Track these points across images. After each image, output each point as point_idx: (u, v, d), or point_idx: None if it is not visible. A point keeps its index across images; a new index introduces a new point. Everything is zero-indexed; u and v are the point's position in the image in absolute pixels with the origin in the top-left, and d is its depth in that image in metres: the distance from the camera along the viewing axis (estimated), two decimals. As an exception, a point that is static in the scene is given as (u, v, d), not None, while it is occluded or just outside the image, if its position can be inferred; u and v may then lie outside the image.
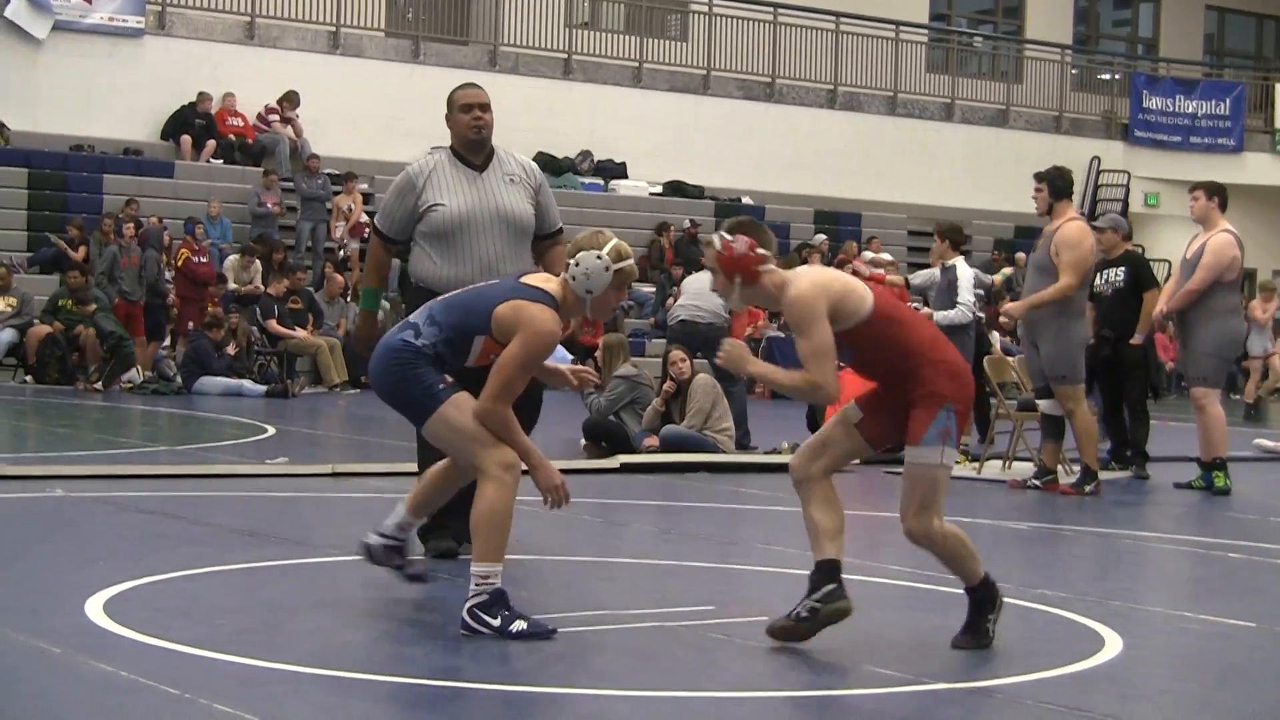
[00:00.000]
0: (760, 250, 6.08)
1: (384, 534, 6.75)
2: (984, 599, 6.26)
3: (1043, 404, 12.02)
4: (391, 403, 6.41)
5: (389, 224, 8.05)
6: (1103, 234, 13.13)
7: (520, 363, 6.16)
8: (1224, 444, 12.28)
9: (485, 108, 7.98)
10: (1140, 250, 18.79)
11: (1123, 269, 13.30)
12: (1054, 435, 12.00)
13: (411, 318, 6.44)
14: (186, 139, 24.89)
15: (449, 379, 6.28)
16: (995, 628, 6.23)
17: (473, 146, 7.98)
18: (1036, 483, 11.97)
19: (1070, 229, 11.75)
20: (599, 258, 6.28)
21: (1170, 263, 30.18)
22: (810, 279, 6.03)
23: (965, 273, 13.79)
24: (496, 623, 6.07)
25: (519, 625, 6.07)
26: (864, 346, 6.07)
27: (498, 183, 7.97)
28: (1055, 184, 11.92)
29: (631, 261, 6.43)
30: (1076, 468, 12.29)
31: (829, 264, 25.76)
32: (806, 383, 5.98)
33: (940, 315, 13.62)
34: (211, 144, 25.10)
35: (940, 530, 6.28)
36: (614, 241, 6.38)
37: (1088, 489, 11.79)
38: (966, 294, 13.66)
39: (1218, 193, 12.40)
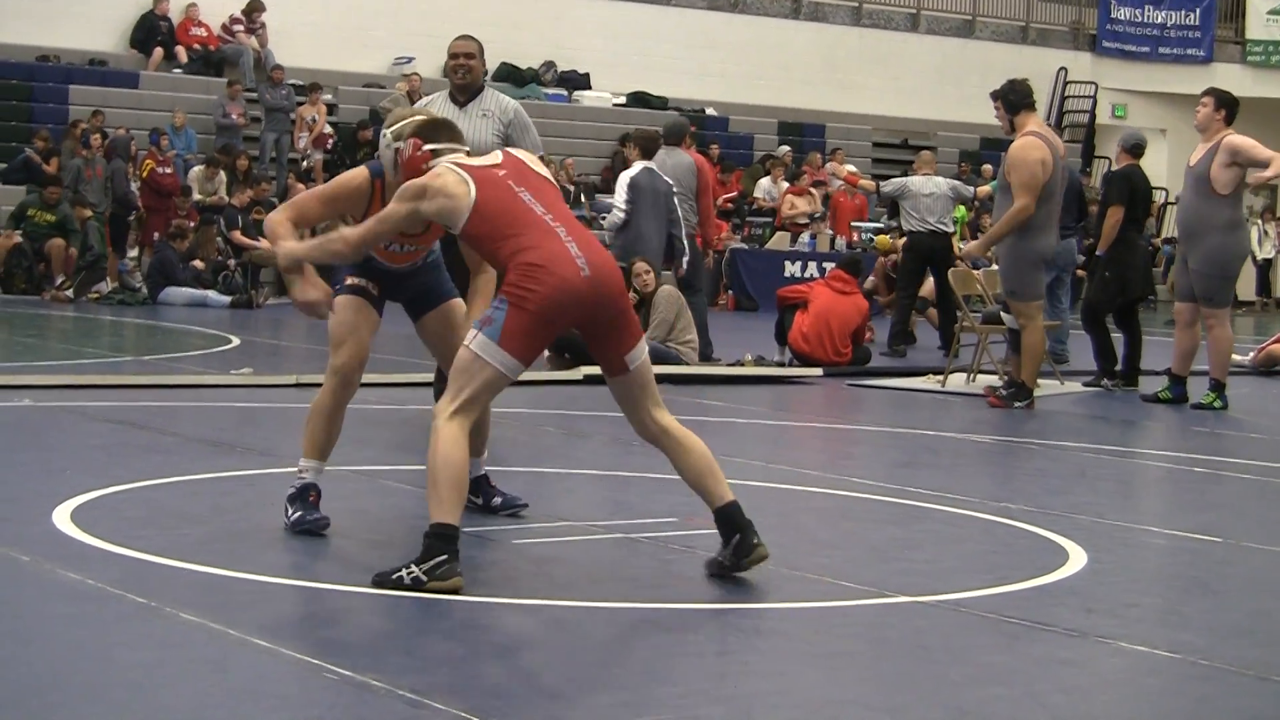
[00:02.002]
0: (428, 146, 6.09)
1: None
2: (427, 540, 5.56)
3: (1006, 318, 12.03)
4: None
5: None
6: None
7: (317, 190, 6.51)
8: (1226, 367, 12.27)
9: (470, 56, 9.45)
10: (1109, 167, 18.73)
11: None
12: (1018, 348, 11.99)
13: None
14: (159, 51, 24.74)
15: (352, 279, 6.56)
16: (411, 579, 5.48)
17: (458, 89, 9.46)
18: (1003, 392, 11.91)
19: (1015, 146, 11.68)
20: (383, 135, 6.36)
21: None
22: (422, 181, 5.92)
23: (623, 178, 14.01)
24: (290, 514, 6.46)
25: (295, 515, 6.43)
26: (476, 251, 6.14)
27: (474, 117, 9.28)
28: (1008, 99, 11.82)
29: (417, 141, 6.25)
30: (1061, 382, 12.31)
31: (793, 176, 25.75)
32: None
33: (607, 222, 14.13)
34: (159, 52, 24.90)
35: (446, 431, 5.62)
36: (409, 119, 6.33)
37: (1017, 404, 11.76)
38: (619, 197, 13.89)
39: (1227, 105, 12.01)
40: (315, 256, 6.21)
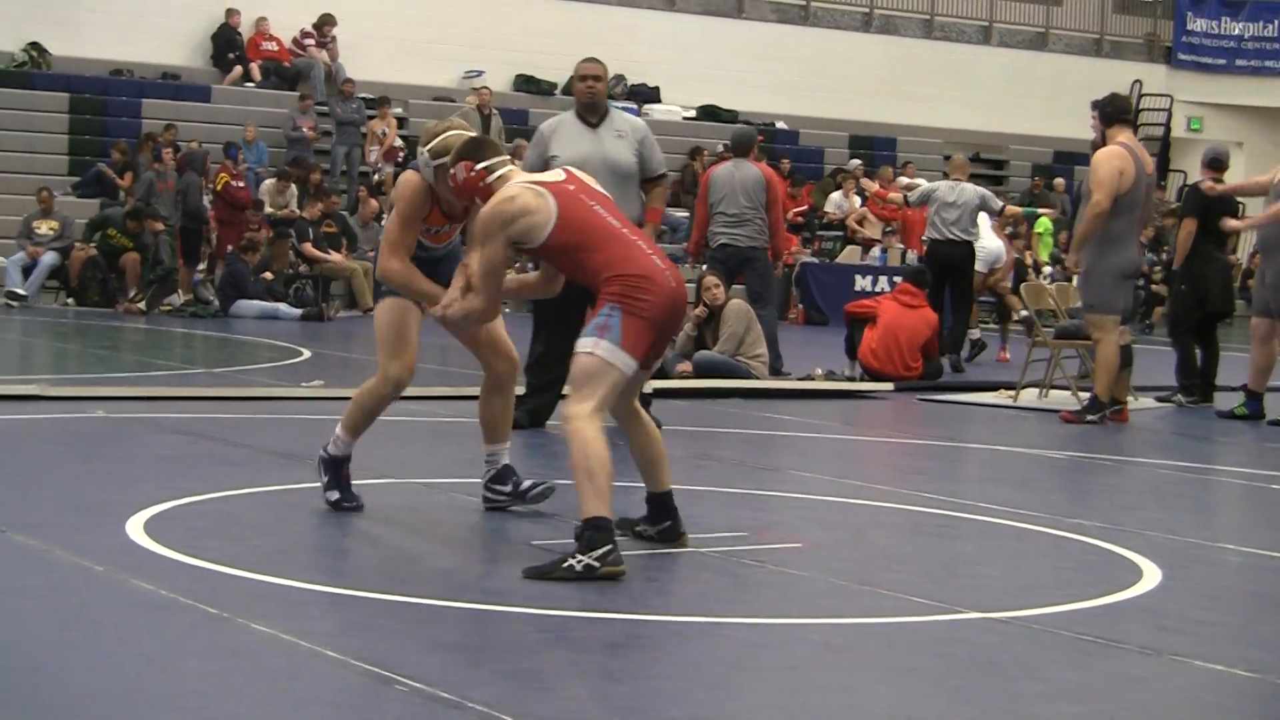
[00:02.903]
0: (480, 165, 6.33)
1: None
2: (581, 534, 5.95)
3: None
4: None
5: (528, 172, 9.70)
6: None
7: (396, 219, 6.83)
8: None
9: (598, 79, 10.00)
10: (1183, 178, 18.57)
11: None
12: (1122, 364, 11.90)
13: None
14: (238, 69, 24.99)
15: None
16: (583, 567, 5.84)
17: (586, 108, 9.99)
18: (1104, 412, 11.83)
19: (1098, 154, 11.69)
20: (423, 152, 6.74)
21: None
22: (492, 203, 6.19)
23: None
24: (323, 480, 7.02)
25: (332, 494, 6.97)
26: (553, 262, 6.36)
27: (608, 137, 9.89)
28: (1104, 110, 11.88)
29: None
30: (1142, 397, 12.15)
31: (860, 190, 25.66)
32: (468, 306, 6.45)
33: None
34: (239, 68, 25.16)
35: (591, 431, 5.99)
36: (443, 136, 6.68)
37: (1089, 418, 11.66)
38: None
39: None
40: (459, 319, 6.59)
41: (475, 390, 11.23)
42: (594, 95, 10.00)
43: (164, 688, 4.49)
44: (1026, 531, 7.35)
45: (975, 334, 16.95)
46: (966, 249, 15.73)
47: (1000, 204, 16.34)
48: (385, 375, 6.93)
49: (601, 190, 6.40)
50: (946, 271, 15.76)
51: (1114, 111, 11.86)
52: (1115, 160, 11.50)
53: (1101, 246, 11.54)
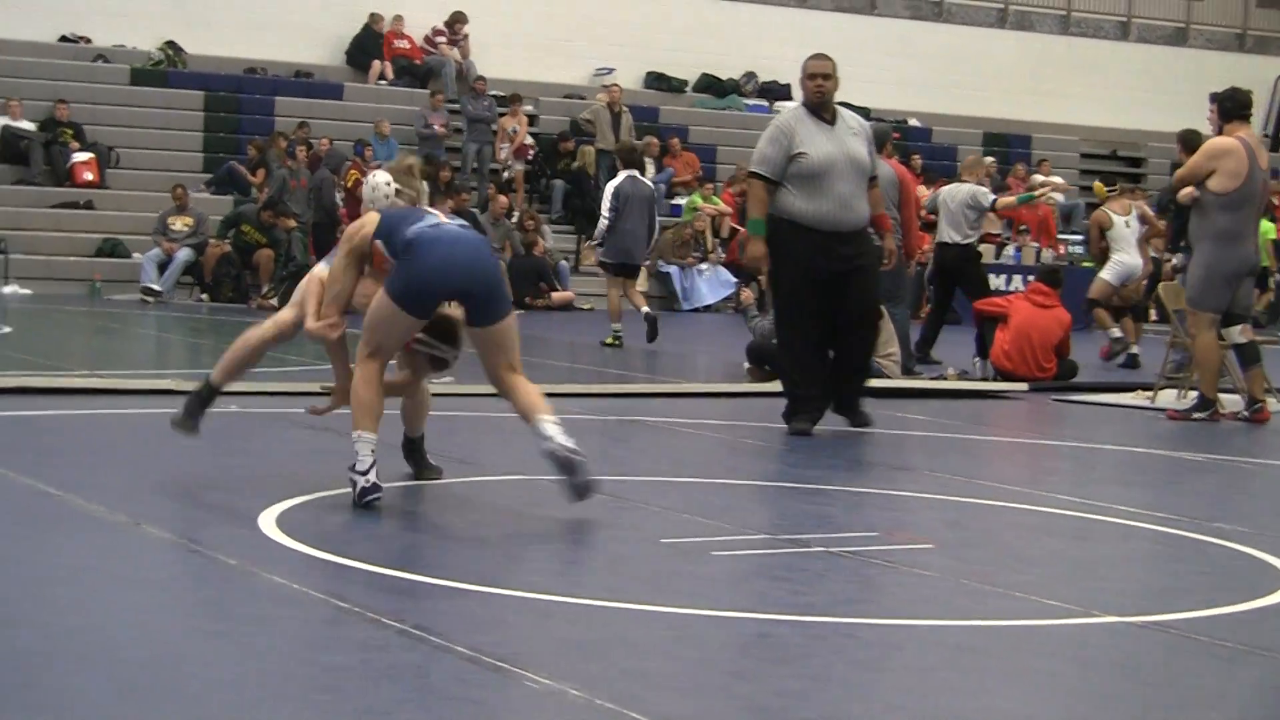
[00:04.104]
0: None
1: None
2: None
3: (1230, 332, 11.70)
4: (496, 294, 7.30)
5: (769, 168, 9.88)
6: None
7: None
8: None
9: (827, 77, 9.92)
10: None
11: None
12: (1250, 361, 11.71)
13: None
14: (375, 64, 25.26)
15: None
16: None
17: (817, 106, 9.94)
18: (1245, 413, 11.67)
19: (1211, 140, 11.54)
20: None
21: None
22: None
23: (609, 188, 16.26)
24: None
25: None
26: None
27: (846, 135, 9.88)
28: (1224, 105, 11.67)
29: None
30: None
31: (998, 187, 25.42)
32: None
33: (596, 230, 16.28)
34: (377, 65, 25.43)
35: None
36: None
37: (1195, 415, 11.54)
38: (605, 205, 16.14)
39: None
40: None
41: (602, 388, 11.28)
42: (823, 94, 9.93)
43: (295, 682, 4.51)
44: (1164, 534, 7.23)
45: (1115, 332, 16.70)
46: (957, 251, 15.23)
47: (992, 198, 15.83)
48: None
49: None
50: (946, 276, 15.41)
51: (1233, 106, 11.66)
52: (1231, 148, 11.31)
53: (1215, 243, 11.34)
